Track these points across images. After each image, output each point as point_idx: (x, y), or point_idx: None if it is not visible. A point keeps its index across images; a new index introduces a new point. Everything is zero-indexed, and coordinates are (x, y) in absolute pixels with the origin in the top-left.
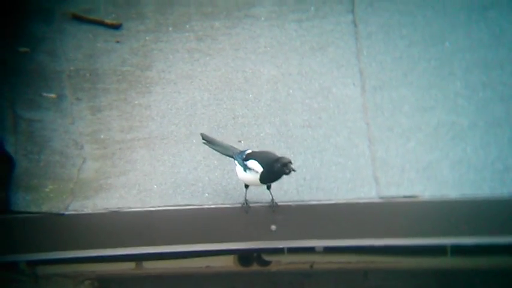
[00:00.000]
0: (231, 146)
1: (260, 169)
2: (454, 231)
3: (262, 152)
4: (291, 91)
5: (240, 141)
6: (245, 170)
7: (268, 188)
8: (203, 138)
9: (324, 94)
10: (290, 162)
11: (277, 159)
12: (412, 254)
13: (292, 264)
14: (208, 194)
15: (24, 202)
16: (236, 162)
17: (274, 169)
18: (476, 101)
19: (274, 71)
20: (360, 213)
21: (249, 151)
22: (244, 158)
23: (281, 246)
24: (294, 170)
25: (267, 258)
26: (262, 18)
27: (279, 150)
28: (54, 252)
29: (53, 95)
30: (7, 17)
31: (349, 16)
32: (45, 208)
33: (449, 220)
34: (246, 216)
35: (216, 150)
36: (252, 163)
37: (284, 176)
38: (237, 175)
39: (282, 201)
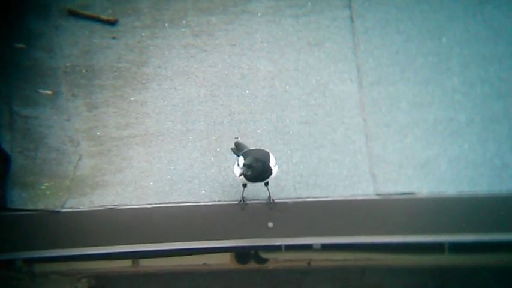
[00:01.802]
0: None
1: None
2: (452, 228)
3: (255, 150)
4: (287, 87)
5: (236, 138)
6: (238, 165)
7: (266, 184)
8: (235, 144)
9: (320, 90)
10: (248, 165)
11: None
12: (409, 251)
13: (289, 261)
14: (205, 191)
15: (20, 199)
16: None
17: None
18: (474, 97)
19: (270, 66)
20: (357, 210)
21: (251, 148)
22: (240, 154)
23: (278, 243)
24: (244, 174)
25: (264, 255)
26: (259, 14)
27: (276, 147)
28: (50, 250)
29: (48, 92)
30: (3, 13)
31: (346, 11)
32: (41, 205)
33: (447, 217)
34: (243, 214)
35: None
36: (241, 159)
37: (280, 173)
38: (233, 172)
39: (279, 198)
